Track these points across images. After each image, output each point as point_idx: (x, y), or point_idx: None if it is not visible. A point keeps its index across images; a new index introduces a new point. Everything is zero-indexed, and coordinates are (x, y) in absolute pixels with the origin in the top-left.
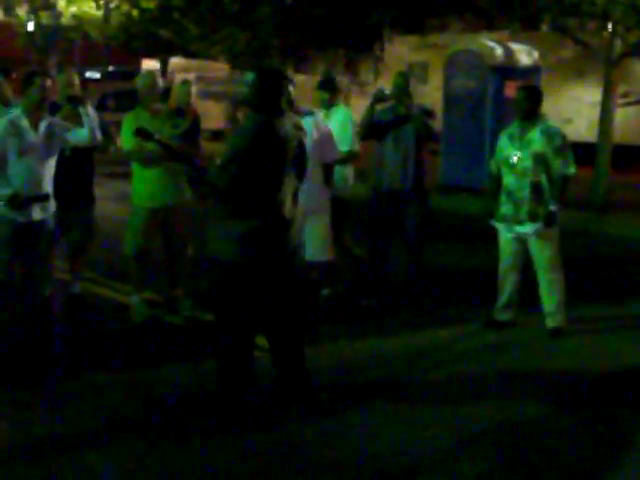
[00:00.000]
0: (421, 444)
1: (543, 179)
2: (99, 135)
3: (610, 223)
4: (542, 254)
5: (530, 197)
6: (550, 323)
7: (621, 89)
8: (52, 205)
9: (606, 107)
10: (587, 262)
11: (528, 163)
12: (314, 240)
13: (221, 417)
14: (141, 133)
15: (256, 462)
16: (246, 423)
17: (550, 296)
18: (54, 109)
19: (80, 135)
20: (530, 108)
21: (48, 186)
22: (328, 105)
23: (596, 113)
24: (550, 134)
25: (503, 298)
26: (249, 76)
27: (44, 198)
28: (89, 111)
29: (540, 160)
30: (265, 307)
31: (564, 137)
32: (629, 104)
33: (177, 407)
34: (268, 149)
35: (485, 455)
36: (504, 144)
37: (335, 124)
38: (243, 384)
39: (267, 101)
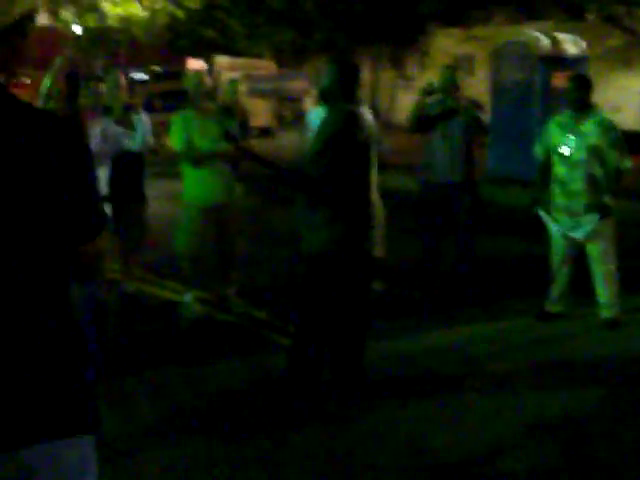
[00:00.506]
0: (478, 437)
1: (598, 171)
2: (151, 141)
3: None
4: (596, 246)
5: (585, 189)
6: (605, 314)
7: None
8: (106, 207)
9: None
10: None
11: (583, 155)
12: None
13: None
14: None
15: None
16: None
17: (605, 288)
18: (104, 112)
19: (134, 141)
20: (581, 98)
21: (103, 189)
22: None
23: None
24: (606, 127)
25: (556, 290)
26: (326, 69)
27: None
28: (142, 117)
29: (595, 153)
30: (343, 299)
31: (618, 130)
32: None
33: (232, 401)
34: (356, 137)
35: (544, 447)
36: (554, 132)
37: None
38: (315, 373)
39: (348, 91)
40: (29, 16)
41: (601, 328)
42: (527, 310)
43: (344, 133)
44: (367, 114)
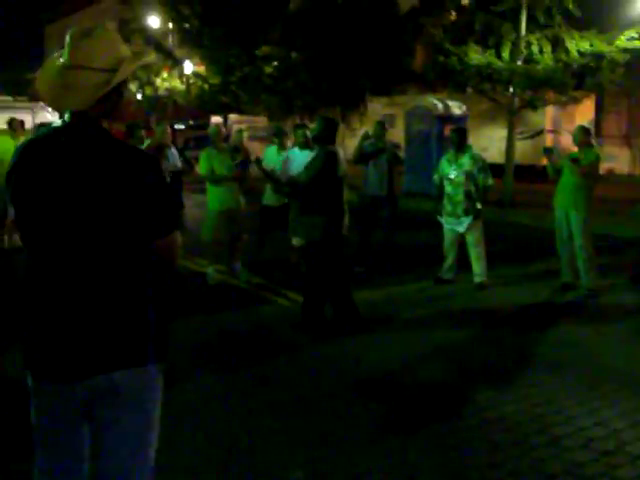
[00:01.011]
0: (400, 358)
1: (472, 188)
2: (178, 164)
3: (514, 215)
4: (471, 236)
5: (463, 199)
6: (477, 280)
7: (519, 129)
8: None
9: (510, 140)
10: (500, 240)
11: (461, 178)
12: None
13: (306, 330)
14: (258, 163)
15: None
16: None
17: (477, 262)
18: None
19: (168, 164)
20: (460, 141)
21: None
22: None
23: (503, 144)
24: (475, 158)
25: (446, 263)
26: (317, 122)
27: None
28: (172, 150)
29: (470, 176)
30: (335, 268)
31: (484, 161)
32: (524, 138)
33: (246, 339)
34: (336, 166)
35: (439, 363)
36: (444, 165)
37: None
38: (321, 313)
39: (330, 137)
40: (124, 81)
41: (474, 290)
42: (428, 277)
43: (329, 165)
44: (341, 151)
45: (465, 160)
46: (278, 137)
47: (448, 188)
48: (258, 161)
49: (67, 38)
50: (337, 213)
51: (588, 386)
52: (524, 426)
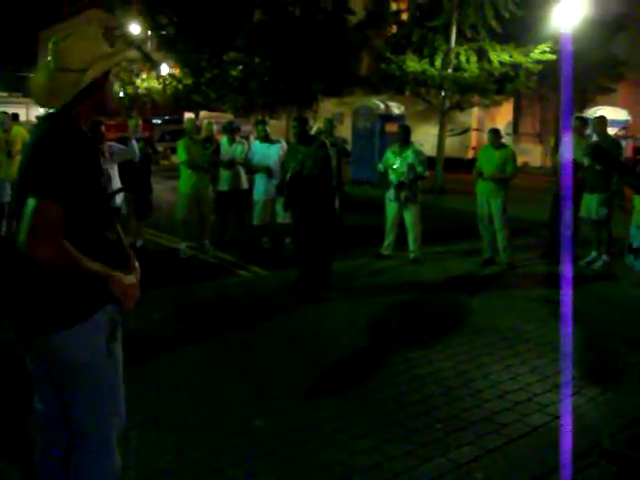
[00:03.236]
0: (342, 320)
1: (410, 177)
2: (138, 153)
3: (444, 200)
4: (410, 217)
5: (405, 187)
6: (412, 256)
7: (448, 127)
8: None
9: (441, 137)
10: (432, 221)
11: (404, 169)
12: (281, 211)
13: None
14: (247, 163)
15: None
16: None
17: (413, 241)
18: (122, 141)
19: (128, 154)
20: (406, 137)
21: (117, 184)
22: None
23: (435, 140)
24: (417, 153)
25: (387, 241)
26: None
27: (118, 191)
28: (133, 142)
29: (411, 167)
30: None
31: (424, 155)
32: (453, 135)
33: (215, 307)
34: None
35: (379, 324)
36: (389, 156)
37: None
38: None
39: (304, 133)
40: (107, 79)
41: (410, 264)
42: (371, 253)
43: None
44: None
45: (409, 154)
46: (228, 132)
47: (392, 176)
48: (247, 161)
49: (49, 44)
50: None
51: (505, 346)
52: (450, 380)
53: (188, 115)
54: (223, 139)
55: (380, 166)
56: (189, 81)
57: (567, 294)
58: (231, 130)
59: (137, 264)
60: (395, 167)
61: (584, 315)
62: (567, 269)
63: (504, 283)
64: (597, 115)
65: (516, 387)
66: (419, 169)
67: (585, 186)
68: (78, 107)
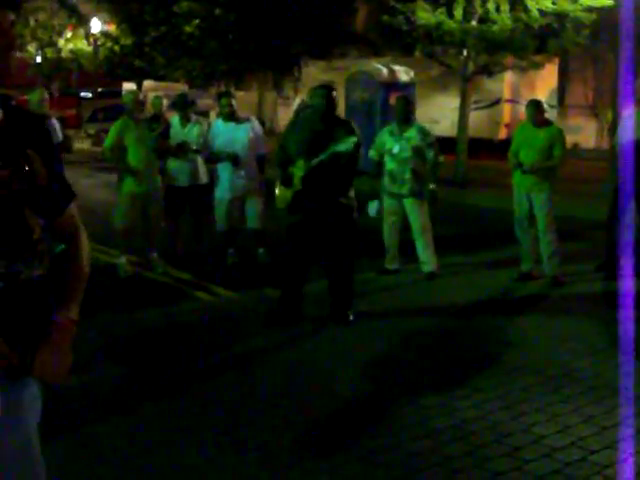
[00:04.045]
0: (347, 359)
1: (419, 166)
2: (59, 135)
3: (467, 195)
4: (417, 221)
5: (411, 178)
6: (425, 269)
7: (473, 98)
8: None
9: (463, 111)
10: (451, 223)
11: (408, 154)
12: (253, 213)
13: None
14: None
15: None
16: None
17: (424, 250)
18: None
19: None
20: (407, 112)
21: None
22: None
23: (456, 115)
24: (424, 132)
25: (389, 253)
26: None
27: None
28: (53, 121)
29: (418, 151)
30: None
31: (433, 134)
32: (479, 108)
33: (167, 341)
34: None
35: (386, 367)
36: (386, 139)
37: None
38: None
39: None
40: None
41: (424, 280)
42: (371, 267)
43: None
44: (256, 123)
45: (412, 134)
46: (180, 108)
47: (391, 165)
48: (206, 147)
49: None
50: None
51: (550, 390)
52: (478, 435)
53: (128, 86)
54: (174, 118)
55: (372, 153)
56: (128, 41)
57: (631, 319)
58: (184, 105)
59: None
60: (395, 152)
61: None
62: (631, 285)
63: (548, 305)
64: None
65: (566, 442)
66: (429, 154)
67: None
68: None
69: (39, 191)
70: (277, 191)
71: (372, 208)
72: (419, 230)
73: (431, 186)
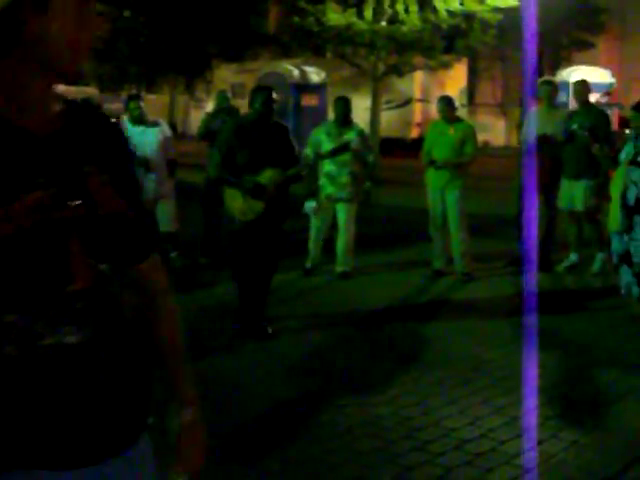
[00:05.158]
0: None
1: (358, 168)
2: None
3: (380, 194)
4: (345, 218)
5: (350, 181)
6: (339, 269)
7: (384, 98)
8: None
9: (374, 111)
10: (364, 222)
11: (347, 156)
12: (165, 216)
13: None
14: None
15: None
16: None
17: (343, 249)
18: None
19: None
20: (346, 113)
21: None
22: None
23: (367, 115)
24: (363, 135)
25: (313, 253)
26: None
27: None
28: None
29: (357, 154)
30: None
31: (369, 137)
32: (390, 108)
33: None
34: None
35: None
36: (322, 140)
37: None
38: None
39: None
40: None
41: (337, 279)
42: (295, 267)
43: None
44: (165, 126)
45: (351, 136)
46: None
47: (328, 167)
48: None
49: None
50: None
51: (460, 383)
52: (390, 431)
53: None
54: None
55: (308, 151)
56: None
57: (536, 312)
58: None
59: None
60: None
61: (562, 338)
62: (539, 278)
63: (459, 301)
64: (577, 79)
65: (476, 434)
66: (369, 157)
67: (563, 170)
68: None
69: (100, 223)
70: (238, 202)
71: (309, 206)
72: (344, 229)
73: (367, 187)
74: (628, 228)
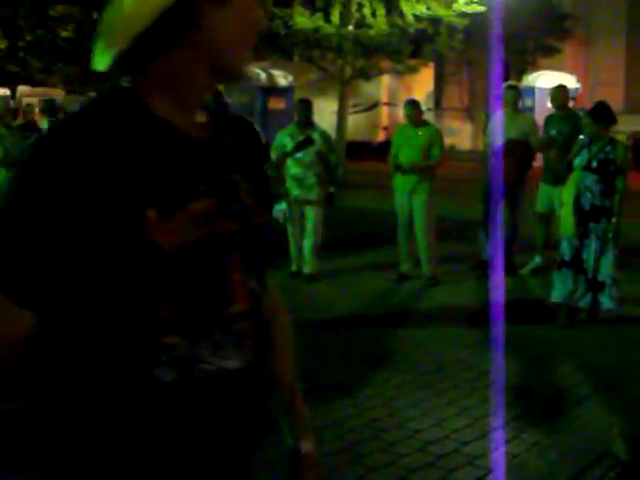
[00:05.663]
0: None
1: (322, 170)
2: None
3: (347, 197)
4: (312, 221)
5: (316, 183)
6: (306, 270)
7: (351, 101)
8: None
9: (341, 114)
10: (329, 225)
11: (312, 158)
12: None
13: None
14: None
15: None
16: None
17: (310, 250)
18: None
19: None
20: (309, 115)
21: None
22: None
23: (334, 119)
24: (326, 137)
25: (296, 258)
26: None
27: None
28: None
29: (321, 156)
30: None
31: (332, 139)
32: (357, 112)
33: None
34: None
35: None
36: (286, 141)
37: None
38: None
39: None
40: None
41: (303, 282)
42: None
43: None
44: None
45: (316, 137)
46: (48, 114)
47: (294, 169)
48: None
49: None
50: None
51: (425, 385)
52: (355, 433)
53: (0, 92)
54: (43, 123)
55: (273, 154)
56: (2, 45)
57: (503, 314)
58: (52, 111)
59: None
60: (298, 157)
61: (525, 341)
62: (504, 282)
63: (425, 304)
64: (556, 84)
65: (440, 435)
66: (333, 159)
67: (542, 176)
68: (159, 65)
69: (252, 235)
70: None
71: (278, 209)
72: (311, 231)
73: (331, 189)
74: (582, 234)
